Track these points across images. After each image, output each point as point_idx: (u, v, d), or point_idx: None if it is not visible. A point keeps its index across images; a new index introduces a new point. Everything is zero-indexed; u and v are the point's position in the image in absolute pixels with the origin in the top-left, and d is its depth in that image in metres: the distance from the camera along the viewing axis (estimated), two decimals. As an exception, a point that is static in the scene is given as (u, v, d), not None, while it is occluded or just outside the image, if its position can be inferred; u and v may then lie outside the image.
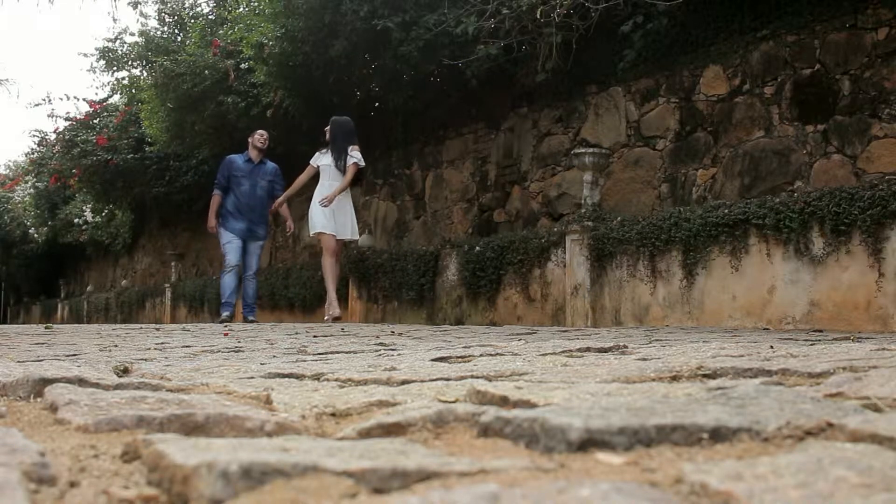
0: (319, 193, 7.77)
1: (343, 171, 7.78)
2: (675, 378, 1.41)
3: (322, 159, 7.93)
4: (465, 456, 0.82)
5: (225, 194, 8.67)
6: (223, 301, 8.64)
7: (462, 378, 1.49)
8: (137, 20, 26.75)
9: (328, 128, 7.92)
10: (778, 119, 5.95)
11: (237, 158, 8.76)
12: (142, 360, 2.30)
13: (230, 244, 8.61)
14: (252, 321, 8.37)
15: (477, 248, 7.39)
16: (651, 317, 5.83)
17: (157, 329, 5.82)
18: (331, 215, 7.74)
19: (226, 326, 6.43)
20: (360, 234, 9.51)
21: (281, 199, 8.41)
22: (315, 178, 8.02)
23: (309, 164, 8.09)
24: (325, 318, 7.89)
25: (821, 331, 4.47)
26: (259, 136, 8.74)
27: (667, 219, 5.71)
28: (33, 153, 18.89)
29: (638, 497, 0.60)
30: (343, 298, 9.37)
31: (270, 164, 8.79)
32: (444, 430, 0.96)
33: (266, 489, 0.66)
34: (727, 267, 5.32)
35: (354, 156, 7.82)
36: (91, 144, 14.18)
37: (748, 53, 6.18)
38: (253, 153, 8.70)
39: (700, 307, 5.50)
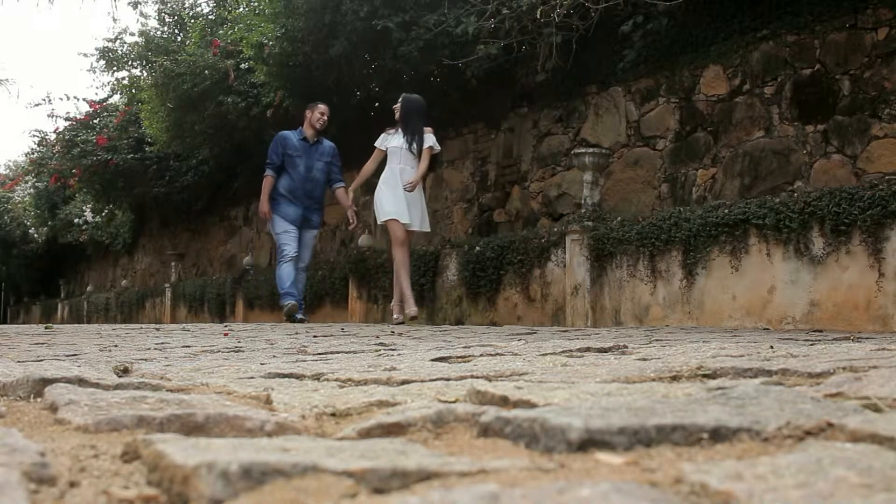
0: (389, 177, 7.10)
1: (417, 154, 7.12)
2: (675, 378, 1.41)
3: (391, 141, 7.20)
4: (465, 456, 0.82)
5: (277, 175, 7.79)
6: (283, 291, 7.73)
7: (462, 378, 1.49)
8: (137, 20, 26.77)
9: (397, 106, 7.24)
10: (778, 119, 5.95)
11: (291, 135, 7.86)
12: (142, 360, 2.30)
13: (287, 234, 7.78)
14: (301, 320, 7.56)
15: (477, 248, 7.39)
16: (651, 317, 5.82)
17: (157, 329, 5.82)
18: (402, 202, 7.02)
19: (226, 326, 6.42)
20: (361, 235, 9.50)
21: (352, 188, 7.60)
22: (381, 161, 7.36)
23: (375, 147, 7.36)
24: (395, 317, 7.19)
25: (821, 331, 4.47)
26: (319, 115, 7.80)
27: (667, 219, 5.71)
28: (33, 153, 18.90)
29: (638, 497, 0.60)
30: (343, 299, 9.38)
31: (327, 143, 7.96)
32: (444, 430, 0.96)
33: (266, 489, 0.66)
34: (727, 267, 5.31)
35: (430, 139, 7.17)
36: (91, 144, 14.19)
37: (748, 53, 6.18)
38: (309, 132, 7.81)
39: (700, 307, 5.50)
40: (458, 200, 8.97)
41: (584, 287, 6.27)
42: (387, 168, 7.19)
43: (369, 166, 7.38)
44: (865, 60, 5.46)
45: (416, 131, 7.12)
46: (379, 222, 7.31)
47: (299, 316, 7.64)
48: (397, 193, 7.02)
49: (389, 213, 7.02)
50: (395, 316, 7.17)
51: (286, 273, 7.74)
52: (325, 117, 7.84)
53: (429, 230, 7.44)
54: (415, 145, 7.10)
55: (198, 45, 11.24)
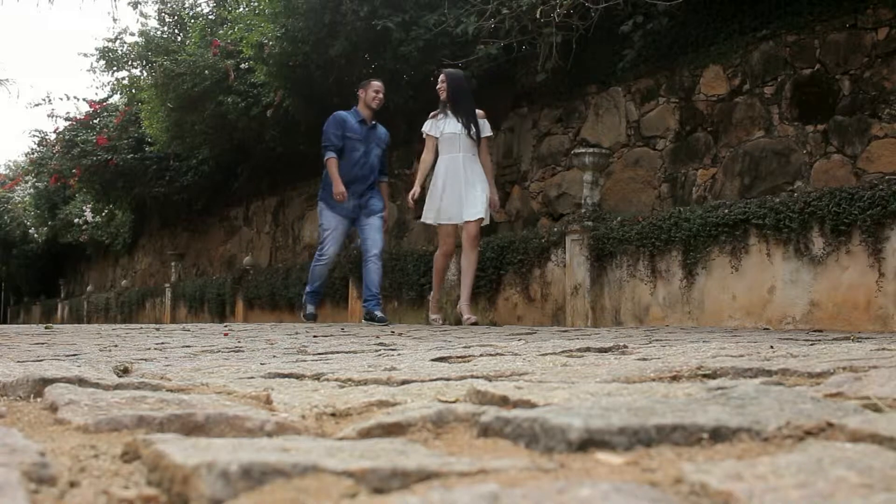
0: (448, 169, 6.37)
1: (477, 140, 6.39)
2: (675, 378, 1.41)
3: (446, 126, 6.44)
4: (465, 456, 0.82)
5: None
6: (310, 290, 7.25)
7: (462, 378, 1.49)
8: (137, 20, 26.79)
9: (443, 85, 6.47)
10: (778, 119, 5.95)
11: (348, 117, 7.08)
12: (142, 360, 2.30)
13: (334, 232, 7.11)
14: (381, 319, 6.74)
15: (477, 247, 7.38)
16: (651, 317, 5.83)
17: (157, 329, 5.82)
18: (462, 196, 6.30)
19: (226, 326, 6.41)
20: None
21: (416, 188, 6.53)
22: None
23: (425, 134, 6.59)
24: (434, 317, 6.65)
25: (821, 331, 4.47)
26: (374, 93, 7.05)
27: (667, 219, 5.71)
28: (33, 153, 18.90)
29: (638, 497, 0.60)
30: (343, 299, 9.38)
31: (382, 128, 7.28)
32: (445, 430, 0.96)
33: (266, 489, 0.66)
34: (727, 267, 5.32)
35: (487, 126, 6.53)
36: (91, 144, 14.19)
37: (748, 53, 6.18)
38: (366, 113, 7.09)
39: (700, 307, 5.50)
40: (458, 200, 8.95)
41: (584, 287, 6.27)
42: (443, 159, 6.45)
43: (428, 157, 6.55)
44: (865, 60, 5.45)
45: (470, 113, 6.40)
46: (427, 221, 6.66)
47: (378, 313, 6.84)
48: (456, 189, 6.33)
49: (441, 217, 6.42)
50: (433, 317, 6.64)
51: (318, 273, 7.25)
52: (381, 95, 7.11)
53: (485, 219, 6.50)
54: (474, 130, 6.38)
55: (198, 45, 11.23)
